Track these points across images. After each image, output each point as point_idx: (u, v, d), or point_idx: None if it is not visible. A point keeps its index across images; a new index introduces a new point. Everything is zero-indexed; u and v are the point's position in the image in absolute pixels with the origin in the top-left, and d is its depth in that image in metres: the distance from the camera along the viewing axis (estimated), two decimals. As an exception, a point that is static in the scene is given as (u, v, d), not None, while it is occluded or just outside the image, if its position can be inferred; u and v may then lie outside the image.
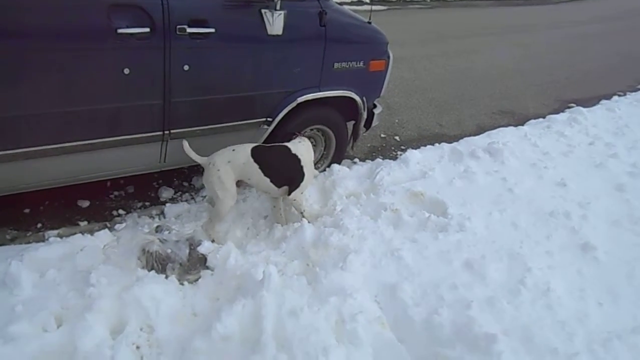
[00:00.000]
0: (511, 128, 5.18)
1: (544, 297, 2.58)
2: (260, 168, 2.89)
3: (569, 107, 6.35)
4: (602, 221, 3.41)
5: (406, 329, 2.30)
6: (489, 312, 2.40)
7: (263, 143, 3.46)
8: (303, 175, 3.01)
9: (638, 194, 3.86)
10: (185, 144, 2.84)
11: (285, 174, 3.00)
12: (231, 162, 2.85)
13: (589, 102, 6.67)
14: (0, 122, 2.40)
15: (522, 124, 5.52)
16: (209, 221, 2.95)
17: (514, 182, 3.80)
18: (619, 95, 7.20)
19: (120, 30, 2.53)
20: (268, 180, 2.93)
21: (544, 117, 5.78)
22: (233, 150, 2.89)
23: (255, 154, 2.90)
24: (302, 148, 3.07)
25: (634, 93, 7.40)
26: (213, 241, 2.83)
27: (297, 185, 3.01)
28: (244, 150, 2.90)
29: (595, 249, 3.04)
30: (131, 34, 2.57)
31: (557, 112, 6.15)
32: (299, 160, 3.01)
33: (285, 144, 3.10)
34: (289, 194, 3.02)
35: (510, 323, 2.37)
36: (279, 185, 2.99)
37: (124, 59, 2.62)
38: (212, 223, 2.93)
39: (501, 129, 5.14)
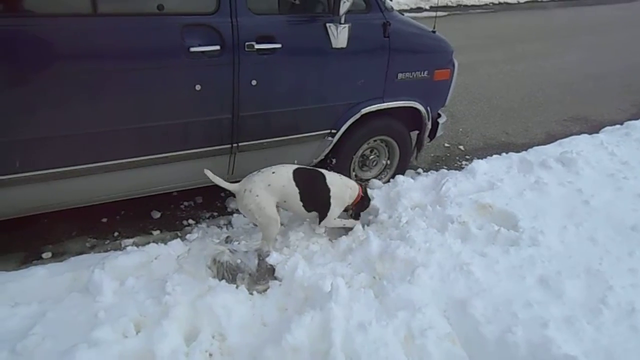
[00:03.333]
0: (585, 136, 4.90)
1: (629, 318, 2.40)
2: (299, 192, 2.84)
3: (650, 113, 5.94)
4: (692, 236, 3.14)
5: (478, 346, 2.22)
6: (567, 332, 2.27)
7: (328, 154, 3.50)
8: (329, 206, 2.98)
9: None
10: (208, 171, 2.70)
11: (315, 200, 2.95)
12: (271, 186, 2.75)
13: (671, 107, 6.22)
14: (84, 137, 2.58)
15: (597, 132, 5.19)
16: (263, 244, 2.83)
17: (590, 193, 3.58)
18: None
19: (192, 49, 2.65)
20: (302, 204, 2.89)
21: (621, 124, 5.41)
22: (273, 172, 2.79)
23: (296, 176, 2.84)
24: (335, 179, 3.03)
25: None
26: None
27: (324, 215, 3.00)
28: (286, 173, 2.83)
29: (686, 267, 2.80)
30: (203, 52, 2.69)
31: (635, 117, 5.74)
32: (329, 190, 2.96)
33: (322, 170, 3.06)
34: (319, 223, 3.03)
35: (591, 345, 2.23)
36: (308, 210, 2.96)
37: (196, 75, 2.74)
38: (267, 245, 2.81)
39: (574, 137, 4.86)
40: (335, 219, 3.05)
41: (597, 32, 11.70)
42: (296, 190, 2.82)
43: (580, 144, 4.49)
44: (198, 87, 2.75)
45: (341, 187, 3.04)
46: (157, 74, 2.66)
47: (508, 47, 9.42)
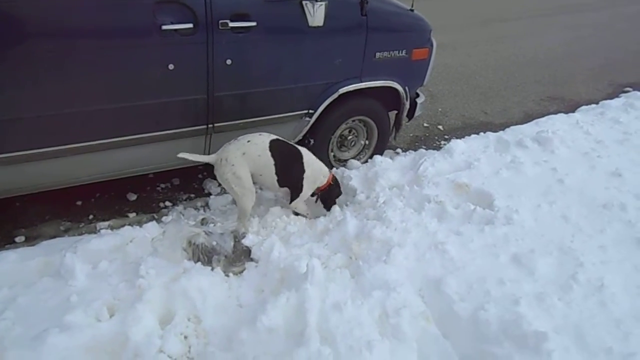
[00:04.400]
0: (561, 115, 4.95)
1: (598, 293, 2.46)
2: (274, 164, 2.81)
3: (625, 92, 6.02)
4: (661, 213, 3.22)
5: (451, 324, 2.25)
6: (538, 308, 2.32)
7: (306, 134, 3.47)
8: (302, 188, 2.96)
9: (701, 184, 3.61)
10: (183, 154, 2.65)
11: (289, 177, 2.93)
12: (246, 154, 2.71)
13: (646, 86, 6.31)
14: (52, 119, 2.50)
15: (573, 111, 5.26)
16: (239, 220, 2.86)
17: (564, 172, 3.63)
18: (680, 78, 6.77)
19: (164, 27, 2.57)
20: (275, 178, 2.87)
21: (596, 103, 5.49)
22: (248, 141, 2.75)
23: (273, 147, 2.80)
24: (312, 161, 3.00)
25: (696, 75, 6.94)
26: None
27: (296, 196, 2.98)
28: (262, 142, 2.78)
29: (654, 243, 2.88)
30: (175, 30, 2.61)
31: (611, 97, 5.84)
32: (303, 171, 2.94)
33: (300, 148, 3.01)
34: (289, 202, 3.02)
35: (561, 321, 2.28)
36: (281, 185, 2.95)
37: (169, 55, 2.67)
38: (241, 221, 2.84)
39: (550, 116, 4.92)
40: (303, 201, 3.04)
41: (577, 12, 11.77)
42: (271, 161, 2.79)
43: (556, 123, 4.54)
44: (171, 67, 2.69)
45: (315, 171, 3.02)
46: (128, 53, 2.58)
47: (488, 27, 9.43)
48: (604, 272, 2.61)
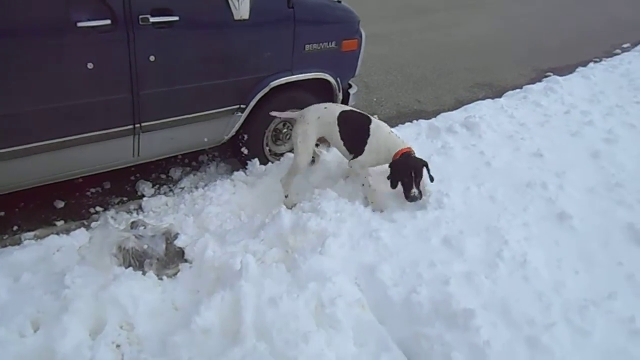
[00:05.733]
0: (488, 101, 5.18)
1: (521, 269, 2.61)
2: (339, 131, 3.16)
3: (546, 77, 6.35)
4: (578, 190, 3.45)
5: (386, 309, 2.32)
6: (467, 287, 2.43)
7: (239, 130, 3.42)
8: (361, 152, 3.14)
9: (613, 160, 3.90)
10: (273, 112, 3.24)
11: (352, 142, 3.18)
12: (320, 119, 3.14)
13: (565, 70, 6.68)
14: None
15: (500, 96, 5.51)
16: (287, 174, 3.22)
17: (491, 155, 3.81)
18: (595, 62, 7.22)
19: (80, 24, 2.46)
20: (342, 143, 3.20)
21: (521, 88, 5.77)
22: (325, 107, 3.22)
23: (341, 117, 3.17)
24: (381, 132, 3.17)
25: (609, 59, 7.43)
26: (286, 196, 3.19)
27: (355, 157, 3.17)
28: (334, 112, 3.20)
29: (572, 218, 3.07)
30: (92, 27, 2.50)
31: (533, 82, 6.15)
32: (367, 137, 3.13)
33: (375, 120, 3.24)
34: (349, 163, 3.26)
35: (488, 297, 2.40)
36: (347, 148, 3.21)
37: (87, 53, 2.56)
38: (290, 176, 3.20)
39: (478, 102, 5.14)
40: (364, 168, 3.16)
41: (504, 1, 12.25)
42: (337, 128, 3.17)
43: (483, 108, 4.75)
44: (90, 66, 2.58)
45: (380, 143, 3.14)
46: (42, 52, 2.45)
47: (421, 17, 9.66)
48: (527, 248, 2.76)
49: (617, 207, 3.29)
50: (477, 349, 2.09)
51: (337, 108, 3.25)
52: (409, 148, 3.14)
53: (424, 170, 3.05)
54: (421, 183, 3.06)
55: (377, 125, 3.20)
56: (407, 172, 2.99)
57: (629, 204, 3.31)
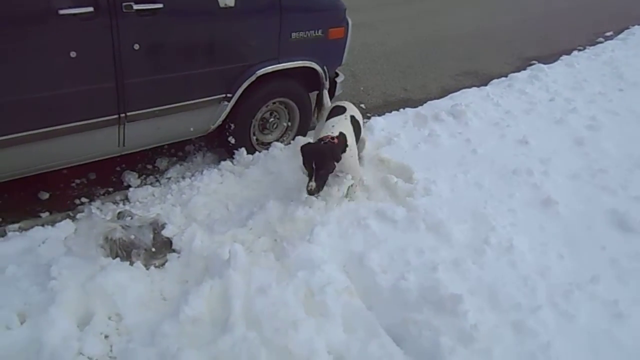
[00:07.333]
0: (474, 89, 5.21)
1: (508, 254, 2.65)
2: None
3: (530, 65, 6.39)
4: (562, 176, 3.50)
5: (375, 296, 2.34)
6: (454, 273, 2.46)
7: (226, 119, 3.40)
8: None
9: (596, 146, 3.96)
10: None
11: None
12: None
13: (550, 58, 6.73)
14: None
15: (485, 84, 5.54)
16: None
17: (477, 142, 3.84)
18: (579, 50, 7.27)
19: (61, 12, 2.41)
20: None
21: (506, 76, 5.81)
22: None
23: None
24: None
25: (592, 47, 7.49)
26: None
27: None
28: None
29: (557, 204, 3.12)
30: (74, 15, 2.45)
31: (519, 70, 6.19)
32: None
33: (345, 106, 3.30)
34: None
35: (475, 282, 2.44)
36: None
37: (69, 41, 2.51)
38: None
39: (464, 90, 5.16)
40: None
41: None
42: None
43: (469, 96, 4.78)
44: (73, 54, 2.53)
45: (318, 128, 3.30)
46: (23, 41, 2.39)
47: (407, 6, 9.62)
48: (513, 234, 2.81)
49: (601, 193, 3.35)
50: (465, 333, 2.12)
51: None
52: (328, 136, 2.88)
53: (332, 161, 2.79)
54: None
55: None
56: (309, 161, 2.78)
57: (612, 190, 3.37)
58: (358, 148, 3.26)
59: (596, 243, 2.86)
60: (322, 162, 2.75)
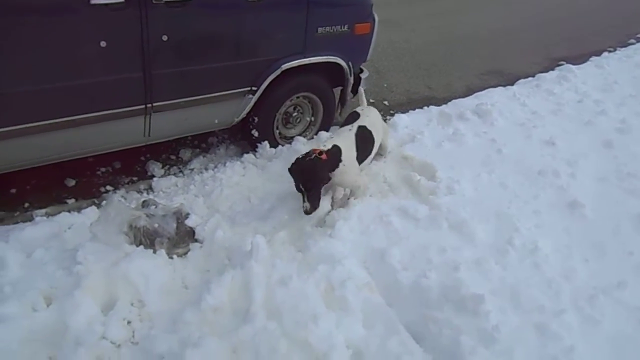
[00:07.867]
0: (500, 88, 5.13)
1: (532, 256, 2.61)
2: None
3: (559, 65, 6.26)
4: (590, 178, 3.43)
5: (395, 293, 2.33)
6: (477, 273, 2.44)
7: (250, 112, 3.42)
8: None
9: (626, 150, 3.87)
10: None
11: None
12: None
13: (579, 59, 6.58)
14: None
15: (512, 84, 5.45)
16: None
17: (502, 142, 3.79)
18: (609, 51, 7.10)
19: (93, 1, 2.44)
20: None
21: (533, 76, 5.71)
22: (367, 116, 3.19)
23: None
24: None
25: (624, 49, 7.31)
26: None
27: None
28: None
29: (583, 207, 3.06)
30: (105, 5, 2.48)
31: (546, 70, 6.06)
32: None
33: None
34: None
35: (498, 283, 2.40)
36: None
37: (100, 31, 2.55)
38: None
39: (490, 89, 5.08)
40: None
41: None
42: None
43: (495, 96, 4.70)
44: (103, 44, 2.56)
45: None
46: (55, 30, 2.44)
47: (432, 3, 9.52)
48: (537, 236, 2.76)
49: (629, 197, 3.27)
50: (486, 333, 2.10)
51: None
52: (317, 150, 2.66)
53: (320, 179, 2.61)
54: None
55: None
56: (296, 183, 2.64)
57: (640, 194, 3.29)
58: (379, 151, 3.23)
59: (623, 248, 2.79)
60: (308, 183, 2.58)
